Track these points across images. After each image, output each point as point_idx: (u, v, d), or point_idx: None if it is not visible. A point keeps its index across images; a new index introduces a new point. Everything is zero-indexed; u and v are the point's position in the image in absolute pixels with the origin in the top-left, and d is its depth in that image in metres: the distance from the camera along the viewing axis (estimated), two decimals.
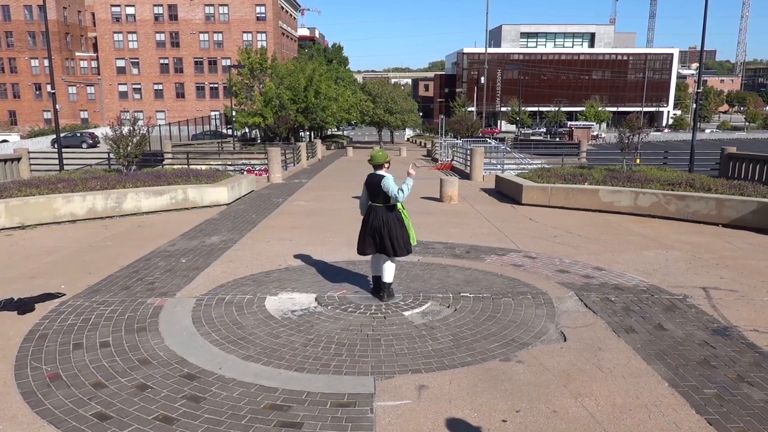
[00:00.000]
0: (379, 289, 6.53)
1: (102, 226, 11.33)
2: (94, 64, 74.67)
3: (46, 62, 66.05)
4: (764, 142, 64.77)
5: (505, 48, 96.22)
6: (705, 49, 19.77)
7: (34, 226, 11.07)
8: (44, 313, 6.05)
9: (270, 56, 47.40)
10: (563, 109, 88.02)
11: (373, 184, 6.21)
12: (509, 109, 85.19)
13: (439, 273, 7.61)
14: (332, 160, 34.70)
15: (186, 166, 20.51)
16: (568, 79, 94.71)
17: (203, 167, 20.16)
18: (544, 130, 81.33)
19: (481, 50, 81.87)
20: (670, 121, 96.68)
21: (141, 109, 70.47)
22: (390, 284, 6.43)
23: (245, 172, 21.88)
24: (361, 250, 6.36)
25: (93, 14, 73.67)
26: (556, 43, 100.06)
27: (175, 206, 13.04)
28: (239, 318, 5.92)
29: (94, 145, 50.31)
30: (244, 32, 69.91)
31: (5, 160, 16.94)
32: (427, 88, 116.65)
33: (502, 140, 41.92)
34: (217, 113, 63.36)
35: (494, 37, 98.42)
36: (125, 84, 72.07)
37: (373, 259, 6.55)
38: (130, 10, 69.71)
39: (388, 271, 6.37)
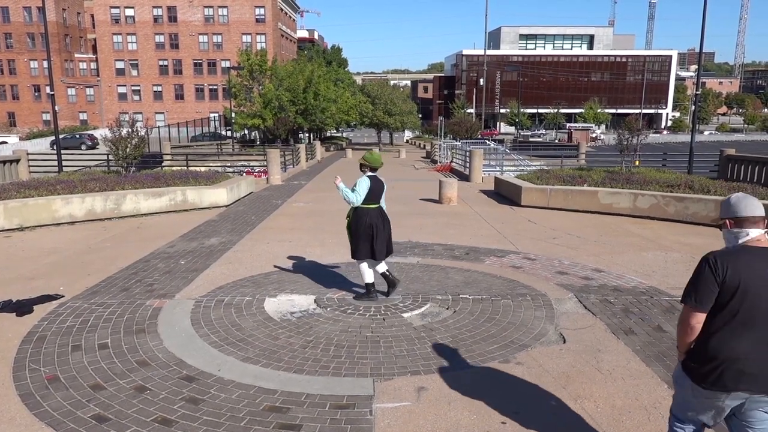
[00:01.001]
0: (370, 290, 6.51)
1: (101, 227, 11.32)
2: (93, 65, 74.67)
3: (45, 64, 66.14)
4: (763, 144, 64.86)
5: (504, 50, 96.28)
6: (704, 51, 19.80)
7: (33, 228, 11.06)
8: (43, 315, 6.04)
9: (270, 58, 47.41)
10: (562, 110, 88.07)
11: (380, 188, 6.24)
12: (508, 110, 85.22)
13: (439, 275, 7.61)
14: (331, 162, 34.70)
15: (185, 167, 20.49)
16: (567, 81, 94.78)
17: (202, 169, 20.17)
18: (543, 131, 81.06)
19: (480, 52, 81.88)
20: (669, 123, 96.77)
21: (140, 110, 70.39)
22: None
23: (244, 174, 21.87)
24: (384, 256, 6.33)
25: (92, 16, 73.67)
26: (555, 45, 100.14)
27: (174, 208, 13.04)
28: (238, 320, 5.91)
29: (93, 147, 50.28)
30: (243, 34, 69.92)
31: (4, 162, 16.93)
32: (426, 89, 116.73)
33: (501, 142, 41.94)
34: (217, 115, 63.36)
35: (493, 38, 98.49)
36: (124, 85, 72.05)
37: (369, 264, 6.42)
38: (129, 12, 69.69)
39: (370, 272, 6.45)
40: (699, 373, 2.73)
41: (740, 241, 2.76)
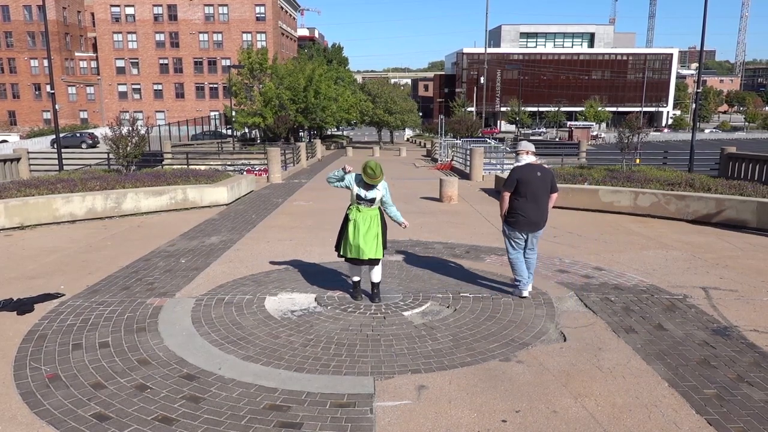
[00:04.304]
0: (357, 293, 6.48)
1: (101, 226, 11.32)
2: (93, 64, 74.67)
3: (45, 62, 66.12)
4: (764, 142, 64.79)
5: (505, 48, 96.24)
6: (704, 49, 19.77)
7: (34, 227, 11.07)
8: (43, 314, 6.04)
9: (271, 56, 47.35)
10: (563, 109, 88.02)
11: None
12: (509, 109, 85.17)
13: (439, 273, 7.60)
14: (332, 160, 34.70)
15: (185, 166, 20.49)
16: (567, 79, 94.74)
17: (203, 167, 20.17)
18: (544, 130, 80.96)
19: (481, 50, 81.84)
20: (670, 121, 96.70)
21: (140, 109, 70.45)
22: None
23: (245, 173, 21.86)
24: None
25: (92, 14, 73.68)
26: (556, 43, 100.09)
27: (174, 206, 13.04)
28: (239, 318, 5.92)
29: (93, 146, 50.31)
30: (243, 32, 69.92)
31: (5, 161, 16.93)
32: (426, 88, 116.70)
33: (501, 140, 41.92)
34: (217, 113, 63.38)
35: (494, 37, 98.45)
36: (125, 84, 72.08)
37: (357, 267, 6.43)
38: (129, 11, 69.71)
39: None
40: (511, 223, 6.24)
41: (525, 162, 6.18)
